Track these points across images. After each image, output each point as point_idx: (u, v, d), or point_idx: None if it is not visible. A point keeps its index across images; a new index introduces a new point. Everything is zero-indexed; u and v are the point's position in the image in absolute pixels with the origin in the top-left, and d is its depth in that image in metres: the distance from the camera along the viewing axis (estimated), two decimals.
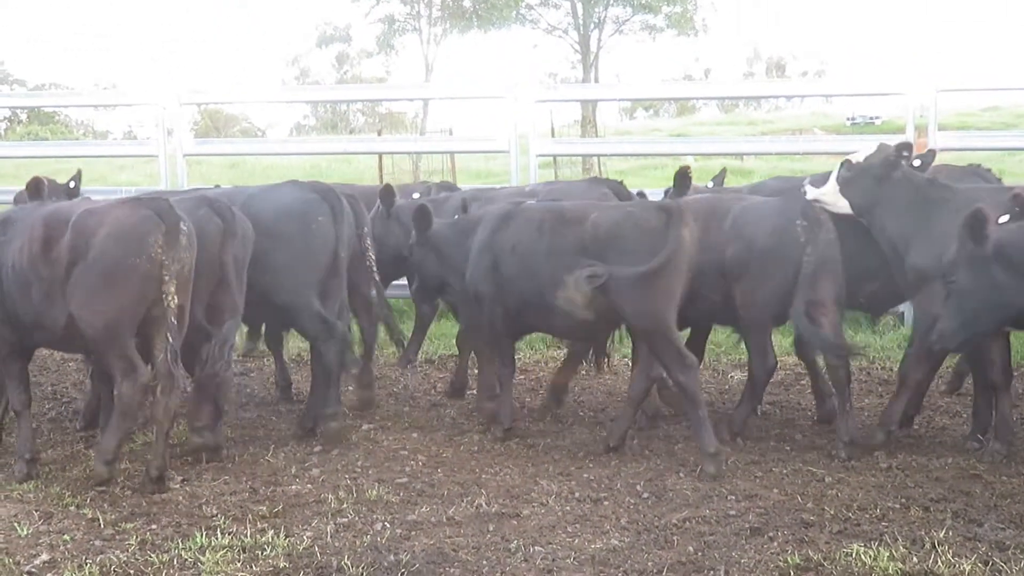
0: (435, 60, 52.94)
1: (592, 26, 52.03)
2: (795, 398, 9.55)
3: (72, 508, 6.85)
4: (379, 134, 32.98)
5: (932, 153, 8.54)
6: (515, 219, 8.04)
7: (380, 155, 24.82)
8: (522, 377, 10.34)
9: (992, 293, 6.68)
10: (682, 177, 9.67)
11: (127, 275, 6.94)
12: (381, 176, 23.50)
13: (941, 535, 6.01)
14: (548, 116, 28.17)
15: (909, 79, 12.00)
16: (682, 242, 7.29)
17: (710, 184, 10.97)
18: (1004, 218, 6.83)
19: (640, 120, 77.06)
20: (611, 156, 27.70)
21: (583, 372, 10.11)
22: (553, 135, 27.22)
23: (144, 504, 6.89)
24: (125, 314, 6.98)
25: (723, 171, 11.55)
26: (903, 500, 6.69)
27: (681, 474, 7.34)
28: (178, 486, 7.27)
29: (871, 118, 51.83)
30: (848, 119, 53.36)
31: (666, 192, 10.06)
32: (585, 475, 7.39)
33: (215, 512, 6.73)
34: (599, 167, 29.40)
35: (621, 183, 10.31)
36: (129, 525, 6.51)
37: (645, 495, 6.93)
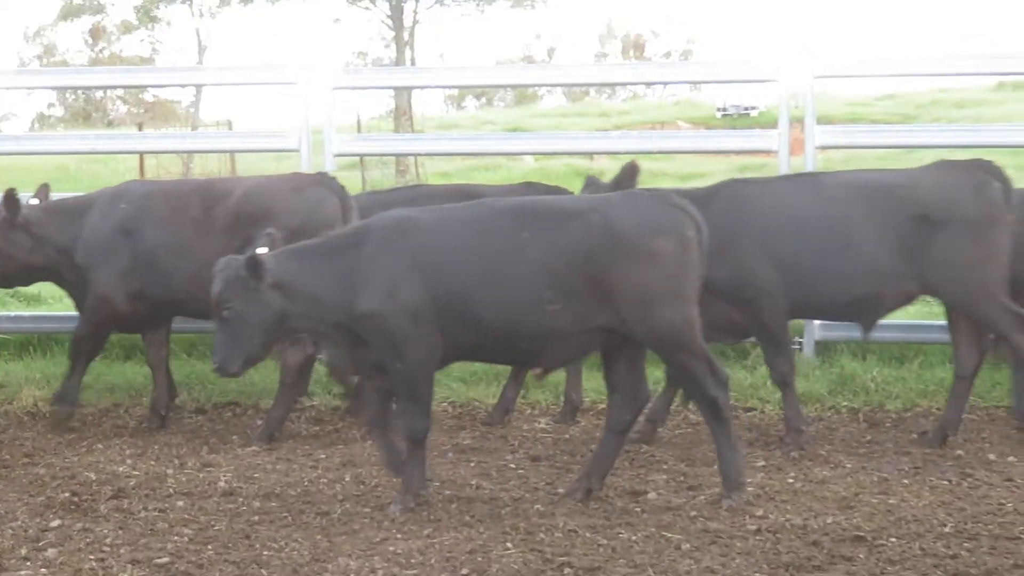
0: (210, 37, 52.54)
1: None
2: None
3: None
4: (140, 128, 32.58)
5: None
6: None
7: (141, 155, 24.52)
8: (317, 429, 10.37)
9: None
10: None
11: None
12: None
13: None
14: (353, 107, 28.17)
15: (780, 63, 12.08)
16: None
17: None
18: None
19: (470, 110, 77.48)
20: (430, 155, 27.26)
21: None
22: (360, 130, 27.21)
23: None
24: None
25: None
26: (773, 569, 6.83)
27: (509, 544, 7.37)
28: None
29: (746, 108, 52.72)
30: (719, 110, 54.17)
31: None
32: (391, 548, 7.35)
33: None
34: (416, 168, 29.43)
35: None
36: None
37: (464, 571, 6.94)
